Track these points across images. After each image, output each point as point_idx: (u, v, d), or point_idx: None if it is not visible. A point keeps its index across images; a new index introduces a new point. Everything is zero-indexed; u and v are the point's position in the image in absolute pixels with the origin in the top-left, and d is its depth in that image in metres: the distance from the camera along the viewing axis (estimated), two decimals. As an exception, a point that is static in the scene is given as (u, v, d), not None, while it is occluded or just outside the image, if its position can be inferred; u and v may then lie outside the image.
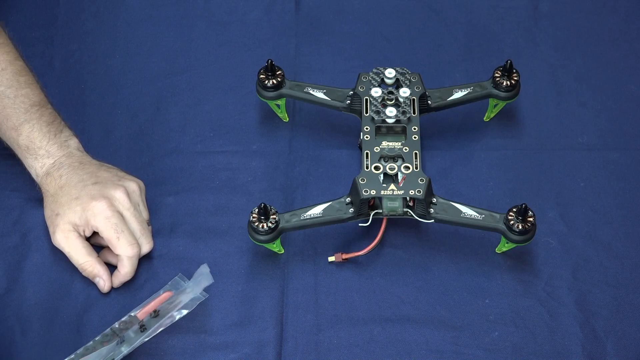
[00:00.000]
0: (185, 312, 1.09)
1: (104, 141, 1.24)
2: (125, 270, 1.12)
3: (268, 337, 1.10)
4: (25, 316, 1.11)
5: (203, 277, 1.09)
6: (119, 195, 1.12)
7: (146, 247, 1.13)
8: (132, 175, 1.16)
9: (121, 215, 1.12)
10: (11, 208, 1.18)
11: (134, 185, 1.14)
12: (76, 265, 1.12)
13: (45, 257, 1.15)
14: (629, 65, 1.32)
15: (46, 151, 1.14)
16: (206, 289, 1.11)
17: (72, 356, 1.04)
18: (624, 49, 1.34)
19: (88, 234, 1.12)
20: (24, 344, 1.09)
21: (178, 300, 1.08)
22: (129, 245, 1.11)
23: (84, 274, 1.12)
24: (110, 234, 1.11)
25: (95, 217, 1.11)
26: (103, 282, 1.11)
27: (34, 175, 1.15)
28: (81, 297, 1.12)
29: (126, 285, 1.13)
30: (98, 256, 1.13)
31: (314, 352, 1.09)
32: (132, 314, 1.07)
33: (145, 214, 1.15)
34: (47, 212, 1.14)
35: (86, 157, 1.16)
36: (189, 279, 1.10)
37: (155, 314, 1.07)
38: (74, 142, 1.16)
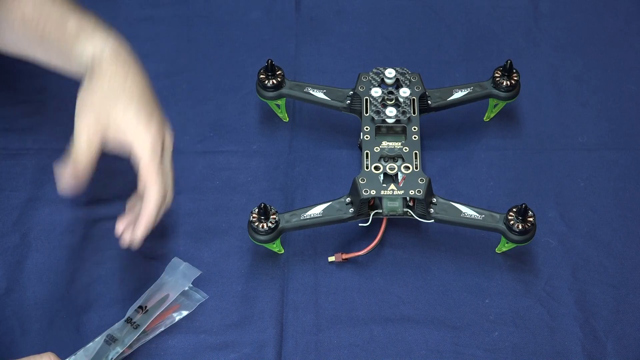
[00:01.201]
0: (185, 312, 1.10)
1: (104, 141, 1.24)
2: (150, 208, 1.03)
3: (268, 337, 1.10)
4: (25, 316, 1.11)
5: (184, 269, 1.11)
6: (167, 133, 1.06)
7: (170, 197, 1.06)
8: None
9: (162, 152, 1.05)
10: (11, 208, 1.18)
11: (168, 129, 1.07)
12: (72, 149, 1.03)
13: (45, 257, 1.15)
14: (629, 65, 1.32)
15: (100, 37, 1.05)
16: (205, 289, 1.12)
17: (72, 357, 1.04)
18: (624, 49, 1.34)
19: (114, 145, 1.04)
20: (24, 344, 1.09)
21: (164, 294, 1.09)
22: (161, 181, 1.03)
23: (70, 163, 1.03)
24: (148, 163, 1.03)
25: (140, 138, 1.02)
26: (60, 180, 1.02)
27: (81, 64, 1.05)
28: (81, 297, 1.12)
29: (126, 285, 1.13)
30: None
31: (314, 352, 1.09)
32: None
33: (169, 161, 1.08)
34: (87, 95, 1.03)
35: (135, 64, 1.07)
36: (185, 264, 1.12)
37: (144, 310, 1.08)
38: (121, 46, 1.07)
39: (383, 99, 1.19)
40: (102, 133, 1.03)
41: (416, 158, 1.14)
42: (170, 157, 1.07)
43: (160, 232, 1.17)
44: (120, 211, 1.18)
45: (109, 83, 1.04)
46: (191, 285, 1.11)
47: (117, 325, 1.07)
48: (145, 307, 1.08)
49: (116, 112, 1.03)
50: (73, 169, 1.02)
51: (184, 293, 1.10)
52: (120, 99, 1.03)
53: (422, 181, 1.12)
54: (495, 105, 1.25)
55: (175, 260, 1.12)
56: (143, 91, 1.05)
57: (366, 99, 1.19)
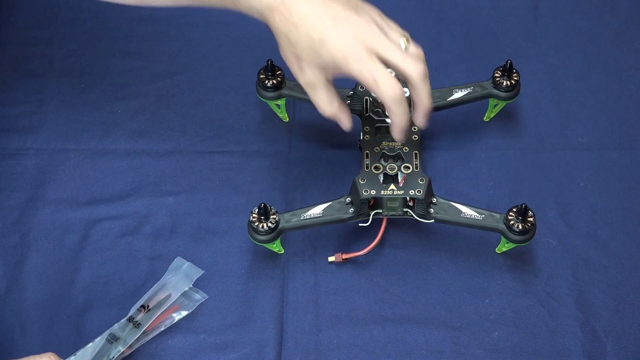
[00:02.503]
0: (185, 313, 1.10)
1: (104, 141, 1.24)
2: (396, 117, 1.04)
3: (268, 337, 1.10)
4: (25, 316, 1.11)
5: (187, 268, 1.11)
6: (366, 30, 1.02)
7: (414, 68, 1.04)
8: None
9: (375, 52, 1.02)
10: (11, 208, 1.18)
11: (370, 10, 1.04)
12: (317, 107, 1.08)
13: (45, 257, 1.15)
14: (629, 65, 1.32)
15: None
16: (205, 289, 1.12)
17: (72, 357, 1.04)
18: (624, 49, 1.34)
19: (336, 75, 1.05)
20: (24, 344, 1.09)
21: (166, 294, 1.09)
22: (391, 86, 1.02)
23: (324, 115, 1.08)
24: (368, 82, 1.02)
25: (348, 63, 1.02)
26: (344, 123, 1.08)
27: (256, 15, 1.06)
28: (81, 297, 1.12)
29: (126, 285, 1.13)
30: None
31: (314, 352, 1.09)
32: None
33: (396, 33, 1.05)
34: (286, 53, 1.06)
35: None
36: (188, 264, 1.12)
37: (147, 309, 1.08)
38: None
39: (383, 99, 1.19)
40: (327, 81, 1.07)
41: (416, 158, 1.14)
42: (384, 22, 1.06)
43: (161, 232, 1.17)
44: (120, 211, 1.18)
45: (287, 38, 1.04)
46: (191, 286, 1.11)
47: (119, 324, 1.07)
48: (148, 306, 1.08)
49: (315, 58, 1.04)
50: (349, 118, 1.08)
51: (183, 293, 1.10)
52: (312, 46, 1.03)
53: (422, 181, 1.12)
54: (495, 105, 1.25)
55: (178, 259, 1.12)
56: (317, 12, 1.03)
57: (366, 99, 1.19)
